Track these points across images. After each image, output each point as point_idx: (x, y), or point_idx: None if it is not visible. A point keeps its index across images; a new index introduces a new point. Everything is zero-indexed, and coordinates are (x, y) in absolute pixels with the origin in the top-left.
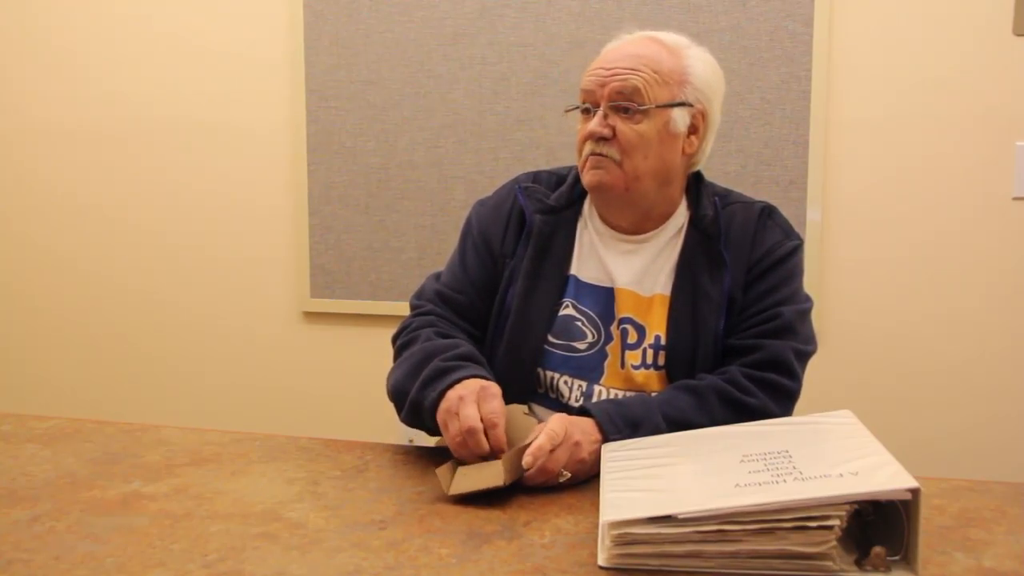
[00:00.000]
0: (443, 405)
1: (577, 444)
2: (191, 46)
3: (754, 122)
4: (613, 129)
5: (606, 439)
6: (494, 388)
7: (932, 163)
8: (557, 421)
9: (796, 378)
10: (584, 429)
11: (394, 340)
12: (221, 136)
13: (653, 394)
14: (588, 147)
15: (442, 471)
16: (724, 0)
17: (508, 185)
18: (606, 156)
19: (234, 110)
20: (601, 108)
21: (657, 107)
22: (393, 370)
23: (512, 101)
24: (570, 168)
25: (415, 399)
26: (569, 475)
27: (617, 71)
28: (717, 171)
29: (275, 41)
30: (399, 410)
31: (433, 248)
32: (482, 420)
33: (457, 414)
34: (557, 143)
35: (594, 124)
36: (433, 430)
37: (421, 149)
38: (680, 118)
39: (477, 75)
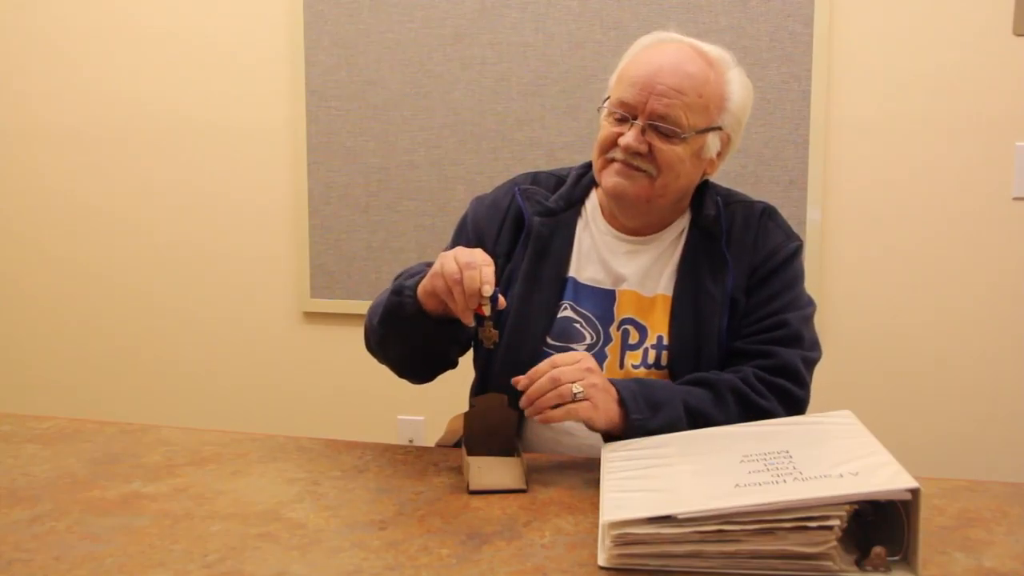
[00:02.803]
0: (438, 258)
1: (591, 370)
2: (191, 46)
3: (754, 122)
4: (650, 145)
5: (627, 416)
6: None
7: (932, 163)
8: (568, 352)
9: (806, 387)
10: (603, 377)
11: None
12: (221, 136)
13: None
14: (618, 154)
15: (465, 465)
16: (724, 0)
17: (507, 185)
18: (639, 169)
19: (234, 110)
20: (639, 122)
21: (696, 133)
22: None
23: (512, 101)
24: (569, 169)
25: (397, 287)
26: (583, 391)
27: (664, 91)
28: (718, 171)
29: (275, 41)
30: (372, 322)
31: (433, 248)
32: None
33: (454, 257)
34: (557, 143)
35: (631, 139)
36: (411, 318)
37: (421, 149)
38: (713, 144)
39: (477, 75)
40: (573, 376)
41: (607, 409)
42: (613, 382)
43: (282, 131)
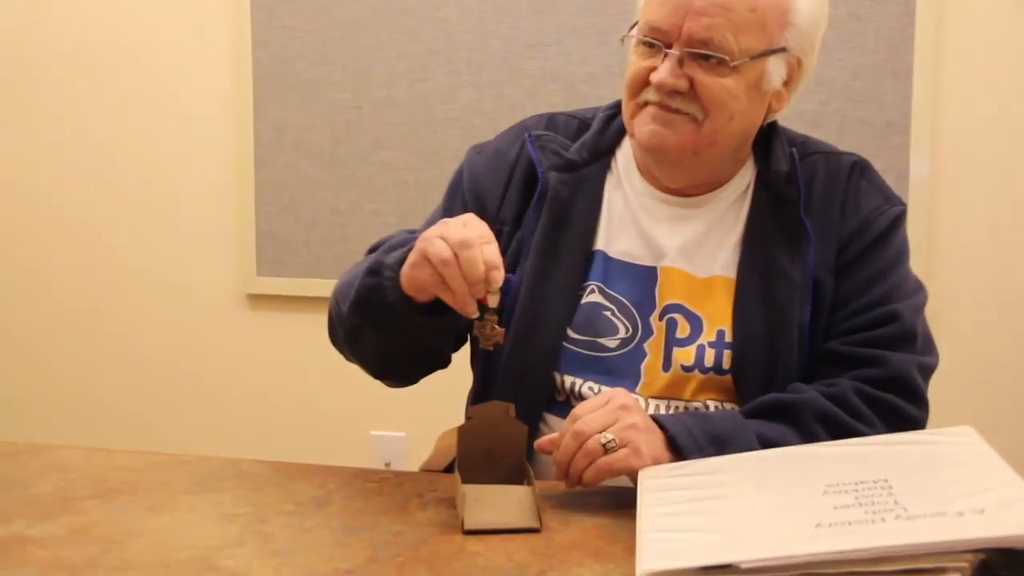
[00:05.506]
0: (417, 243)
1: (624, 407)
2: None
3: (838, 45)
4: (691, 80)
5: (682, 458)
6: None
7: None
8: (592, 398)
9: (923, 404)
10: (644, 415)
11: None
12: (141, 63)
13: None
14: (651, 95)
15: (459, 496)
16: None
17: (514, 130)
18: (680, 112)
19: (160, 32)
20: (675, 51)
21: (751, 59)
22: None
23: (520, 19)
24: (595, 110)
25: (374, 264)
26: (613, 439)
27: (704, 8)
28: (789, 108)
29: None
30: (339, 308)
31: (418, 211)
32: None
33: (441, 236)
34: (579, 75)
35: (665, 73)
36: (392, 306)
37: (402, 82)
38: (776, 71)
39: None
40: (600, 423)
41: (654, 454)
42: (658, 419)
43: (220, 58)
